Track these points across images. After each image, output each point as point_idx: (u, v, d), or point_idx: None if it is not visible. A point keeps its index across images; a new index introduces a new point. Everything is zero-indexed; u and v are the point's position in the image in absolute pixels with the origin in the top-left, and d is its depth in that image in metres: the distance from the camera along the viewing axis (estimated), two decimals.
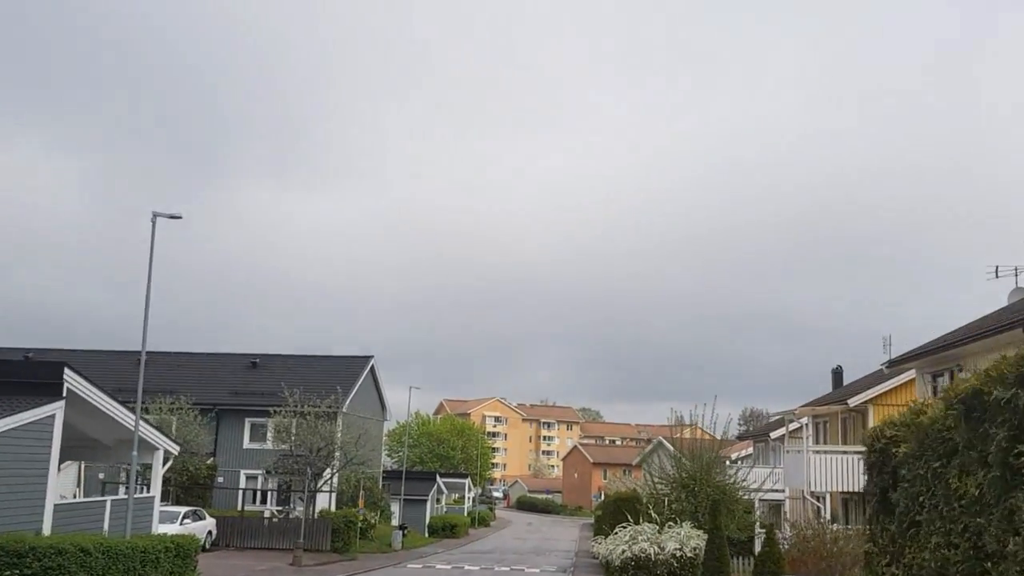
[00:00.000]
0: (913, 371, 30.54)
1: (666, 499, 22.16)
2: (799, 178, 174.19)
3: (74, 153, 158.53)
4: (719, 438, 24.28)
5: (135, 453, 18.95)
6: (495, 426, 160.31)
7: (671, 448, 25.31)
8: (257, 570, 27.65)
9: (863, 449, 28.16)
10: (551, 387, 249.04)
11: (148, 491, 22.97)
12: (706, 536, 18.48)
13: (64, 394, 17.94)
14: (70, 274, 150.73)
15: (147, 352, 50.29)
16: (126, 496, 24.28)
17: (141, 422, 21.67)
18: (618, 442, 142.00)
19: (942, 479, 7.17)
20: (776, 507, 37.26)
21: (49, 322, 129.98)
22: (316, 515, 36.58)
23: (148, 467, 23.33)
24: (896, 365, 26.68)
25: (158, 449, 22.31)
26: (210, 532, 33.37)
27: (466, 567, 33.63)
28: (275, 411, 37.33)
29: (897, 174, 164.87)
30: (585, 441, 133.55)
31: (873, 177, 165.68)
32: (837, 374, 43.88)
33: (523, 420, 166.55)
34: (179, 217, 20.01)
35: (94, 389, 18.79)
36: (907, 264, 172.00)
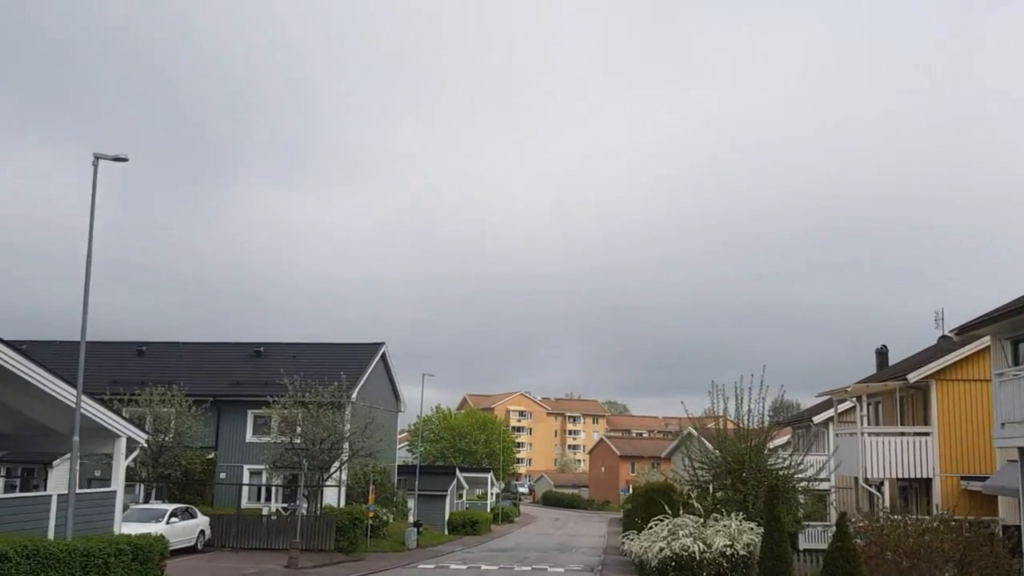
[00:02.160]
0: (986, 339, 27.14)
1: (710, 486, 18.92)
2: (821, 167, 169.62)
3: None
4: (766, 415, 21.02)
5: (76, 438, 16.00)
6: (520, 420, 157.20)
7: (704, 442, 22.11)
8: (245, 573, 24.73)
9: (926, 430, 24.62)
10: (575, 383, 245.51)
11: (136, 489, 20.06)
12: (761, 530, 15.25)
13: None
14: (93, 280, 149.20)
15: (145, 343, 47.96)
16: (92, 490, 21.49)
17: (98, 406, 18.76)
18: (645, 435, 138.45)
19: None
20: (820, 498, 33.84)
21: (64, 319, 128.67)
22: (320, 512, 33.67)
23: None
24: (968, 331, 23.21)
25: (120, 437, 19.40)
26: (202, 532, 30.55)
27: (483, 567, 30.58)
28: (273, 400, 34.46)
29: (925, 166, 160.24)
30: (611, 434, 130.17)
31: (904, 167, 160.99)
32: (882, 355, 40.23)
33: (548, 414, 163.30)
34: (125, 159, 16.99)
35: (26, 362, 15.85)
36: (947, 247, 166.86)
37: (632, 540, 16.79)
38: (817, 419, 37.76)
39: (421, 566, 30.94)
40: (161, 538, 18.48)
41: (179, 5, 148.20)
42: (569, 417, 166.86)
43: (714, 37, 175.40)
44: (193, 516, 30.35)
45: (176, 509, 29.46)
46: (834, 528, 14.61)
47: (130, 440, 19.86)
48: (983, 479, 25.38)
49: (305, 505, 34.17)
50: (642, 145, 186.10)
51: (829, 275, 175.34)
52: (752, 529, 15.30)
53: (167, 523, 27.99)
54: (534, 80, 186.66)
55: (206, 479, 37.88)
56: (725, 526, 15.42)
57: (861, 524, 15.26)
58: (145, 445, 20.66)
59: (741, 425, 20.02)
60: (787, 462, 20.84)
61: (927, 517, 15.35)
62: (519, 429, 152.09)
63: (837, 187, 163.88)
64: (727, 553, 14.83)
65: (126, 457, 19.84)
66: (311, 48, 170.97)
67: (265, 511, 35.69)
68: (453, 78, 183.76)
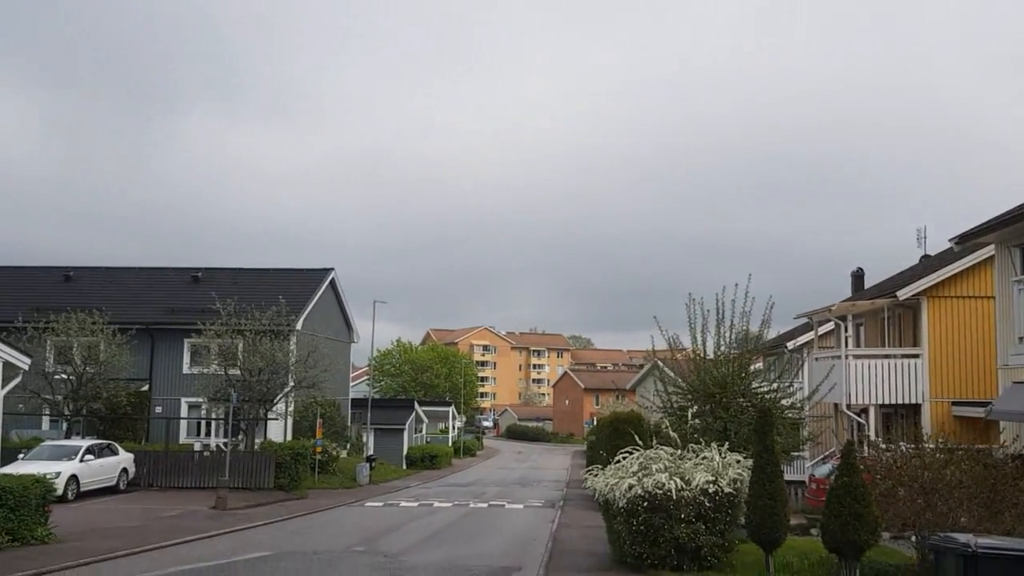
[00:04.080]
0: (982, 253, 24.81)
1: (688, 413, 16.35)
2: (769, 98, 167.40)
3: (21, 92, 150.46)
4: (760, 329, 18.41)
5: None
6: (484, 355, 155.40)
7: (670, 373, 19.49)
8: (164, 516, 22.04)
9: (915, 351, 22.26)
10: (539, 318, 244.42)
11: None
12: (749, 463, 12.75)
13: None
14: (24, 209, 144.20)
15: (72, 267, 44.31)
16: None
17: None
18: (610, 368, 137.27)
19: None
20: (794, 426, 31.77)
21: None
22: (259, 448, 31.01)
23: None
24: (971, 239, 20.76)
25: None
26: (125, 470, 27.74)
27: (435, 504, 28.26)
28: (206, 328, 31.40)
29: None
30: (576, 368, 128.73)
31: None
32: (858, 278, 37.93)
33: (512, 348, 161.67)
34: None
35: None
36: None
37: (596, 476, 14.19)
38: (792, 344, 35.58)
39: (368, 503, 28.56)
40: (43, 479, 15.66)
41: None
42: (533, 351, 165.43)
43: None
44: (114, 453, 27.52)
45: (93, 446, 26.59)
46: (837, 459, 12.20)
47: (7, 365, 16.83)
48: (981, 404, 23.27)
49: (243, 440, 31.48)
50: (587, 80, 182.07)
51: (790, 204, 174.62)
52: (739, 462, 12.84)
53: (81, 461, 25.20)
54: (477, 15, 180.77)
55: (137, 413, 34.90)
56: (707, 459, 12.93)
57: (867, 455, 12.79)
58: (26, 368, 17.61)
59: (723, 344, 17.47)
60: (774, 384, 18.38)
61: (944, 445, 12.87)
62: (483, 364, 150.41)
63: (794, 114, 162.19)
64: (709, 491, 12.31)
65: (3, 385, 16.82)
66: None
67: (198, 446, 32.89)
68: (398, 14, 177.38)
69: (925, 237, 33.92)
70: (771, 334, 19.32)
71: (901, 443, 15.50)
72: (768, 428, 12.07)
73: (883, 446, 13.84)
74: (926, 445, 12.89)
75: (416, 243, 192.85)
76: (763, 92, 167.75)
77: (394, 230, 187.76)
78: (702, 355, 17.67)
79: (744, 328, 17.68)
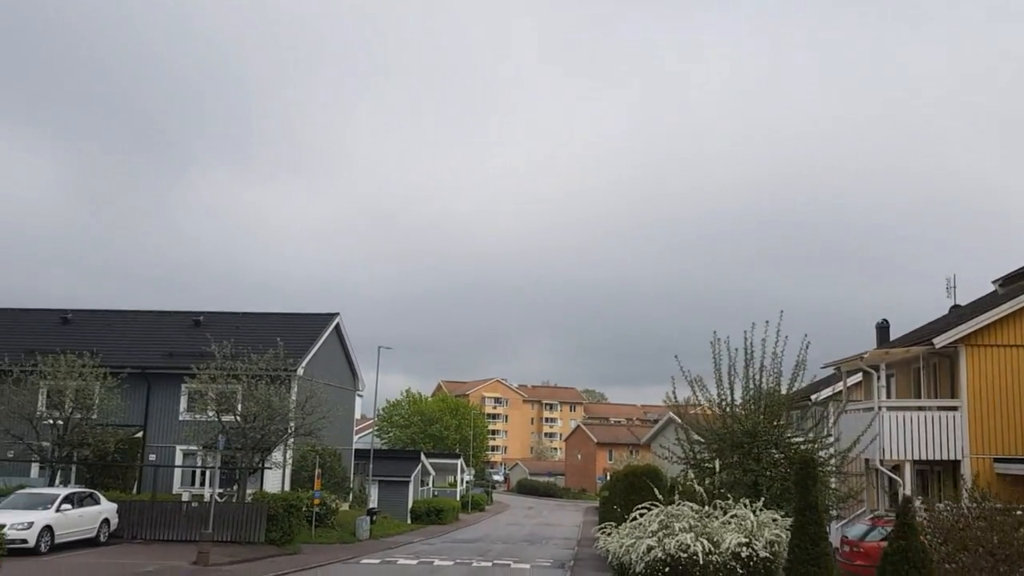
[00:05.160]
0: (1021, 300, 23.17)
1: (715, 464, 14.56)
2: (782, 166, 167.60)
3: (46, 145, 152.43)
4: (795, 371, 16.64)
5: None
6: (495, 408, 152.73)
7: (693, 419, 17.83)
8: (139, 572, 20.32)
9: (954, 403, 20.55)
10: (551, 372, 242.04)
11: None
12: (788, 522, 11.05)
13: None
14: (41, 263, 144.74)
15: (71, 310, 43.15)
16: None
17: None
18: (623, 422, 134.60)
19: None
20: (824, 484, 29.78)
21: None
22: (251, 499, 29.29)
23: None
24: (1016, 281, 19.20)
25: None
26: (107, 521, 26.06)
27: (436, 562, 26.37)
28: (200, 371, 29.95)
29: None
30: (589, 422, 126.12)
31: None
32: (883, 329, 36.07)
33: (524, 401, 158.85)
34: None
35: None
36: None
37: (610, 535, 12.47)
38: (815, 397, 33.73)
39: (365, 560, 26.72)
40: None
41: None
42: (546, 404, 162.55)
43: (664, 37, 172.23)
44: (96, 502, 25.88)
45: (72, 495, 24.97)
46: (893, 519, 10.51)
47: None
48: None
49: (235, 491, 29.79)
50: (597, 143, 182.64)
51: (799, 268, 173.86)
52: (776, 521, 11.14)
53: (57, 511, 23.57)
54: (489, 70, 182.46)
55: (127, 460, 33.29)
56: (737, 516, 11.23)
57: (924, 515, 11.08)
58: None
59: (752, 388, 15.75)
60: (810, 434, 16.63)
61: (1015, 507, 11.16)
62: (495, 416, 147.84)
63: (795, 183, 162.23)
64: (742, 555, 10.62)
65: None
66: (266, 41, 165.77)
67: (186, 496, 31.17)
68: (407, 69, 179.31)
69: (955, 286, 32.24)
70: (805, 379, 17.54)
71: (946, 502, 13.74)
72: (811, 482, 10.42)
73: (940, 505, 12.07)
74: (991, 504, 11.14)
75: (430, 297, 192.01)
76: (764, 159, 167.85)
77: (406, 284, 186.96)
78: (729, 400, 15.99)
79: (777, 370, 15.99)
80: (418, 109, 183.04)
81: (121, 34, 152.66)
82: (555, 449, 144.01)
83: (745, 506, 11.64)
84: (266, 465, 31.30)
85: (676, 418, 20.00)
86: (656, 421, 76.10)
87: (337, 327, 41.93)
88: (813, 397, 33.91)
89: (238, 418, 30.13)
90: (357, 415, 59.95)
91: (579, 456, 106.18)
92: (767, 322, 16.00)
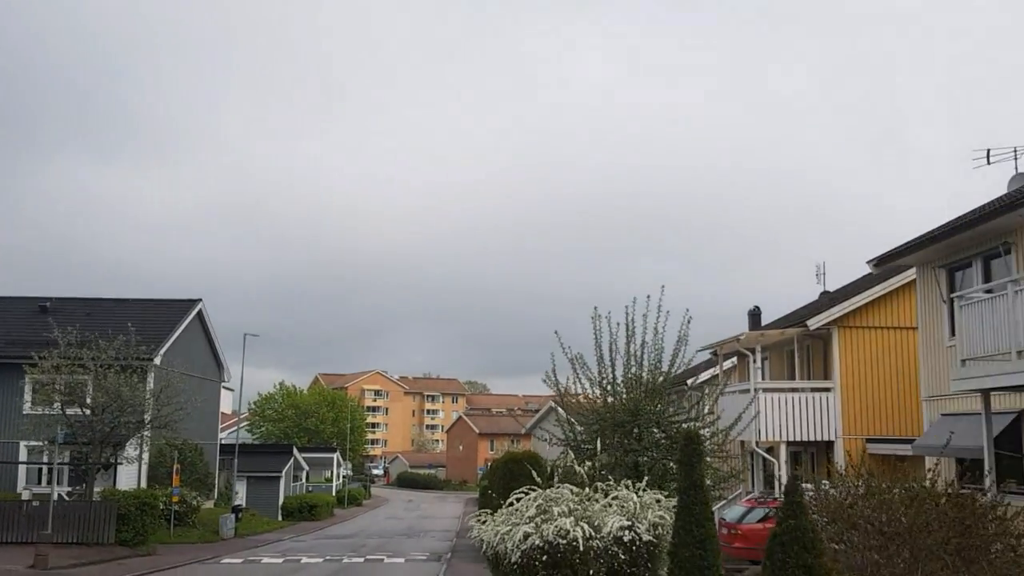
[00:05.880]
0: (890, 283, 23.54)
1: (596, 444, 13.79)
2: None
3: None
4: (676, 347, 15.99)
5: None
6: (376, 400, 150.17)
7: (573, 399, 17.12)
8: None
9: (827, 385, 20.57)
10: (432, 365, 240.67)
11: None
12: (672, 503, 10.32)
13: None
14: None
15: None
16: None
17: None
18: (505, 412, 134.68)
19: None
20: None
21: None
22: (100, 497, 26.94)
23: None
24: (888, 262, 19.29)
25: None
26: None
27: (304, 560, 24.85)
28: (41, 359, 27.33)
29: None
30: (471, 412, 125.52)
31: None
32: (755, 316, 36.58)
33: (406, 393, 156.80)
34: None
35: None
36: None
37: (485, 522, 11.48)
38: (691, 381, 33.84)
39: (226, 560, 24.94)
40: None
41: None
42: (428, 396, 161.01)
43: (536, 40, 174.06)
44: None
45: None
46: (780, 499, 9.92)
47: None
48: (900, 440, 21.76)
49: (82, 488, 27.36)
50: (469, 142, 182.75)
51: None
52: (659, 502, 10.44)
53: None
54: (350, 62, 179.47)
55: None
56: (620, 499, 10.46)
57: (810, 494, 10.55)
58: None
59: (634, 365, 15.10)
60: (692, 412, 16.13)
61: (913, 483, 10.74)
62: (375, 409, 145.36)
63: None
64: (624, 539, 9.83)
65: None
66: (131, 24, 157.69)
67: (26, 495, 28.48)
68: (272, 59, 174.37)
69: (824, 273, 32.86)
70: (687, 355, 16.99)
71: (825, 481, 13.38)
72: (697, 459, 9.66)
73: (825, 483, 11.60)
74: (878, 482, 10.70)
75: (304, 289, 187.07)
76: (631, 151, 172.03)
77: (280, 277, 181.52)
78: (611, 378, 15.28)
79: (659, 347, 15.39)
80: (288, 97, 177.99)
81: None
82: (437, 441, 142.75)
83: (627, 488, 10.86)
84: (118, 461, 28.93)
85: (557, 407, 19.21)
86: (538, 411, 76.07)
87: (200, 314, 39.48)
88: (689, 381, 34.07)
89: (86, 410, 27.72)
90: (227, 409, 57.17)
91: (461, 447, 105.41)
92: (648, 296, 15.41)
